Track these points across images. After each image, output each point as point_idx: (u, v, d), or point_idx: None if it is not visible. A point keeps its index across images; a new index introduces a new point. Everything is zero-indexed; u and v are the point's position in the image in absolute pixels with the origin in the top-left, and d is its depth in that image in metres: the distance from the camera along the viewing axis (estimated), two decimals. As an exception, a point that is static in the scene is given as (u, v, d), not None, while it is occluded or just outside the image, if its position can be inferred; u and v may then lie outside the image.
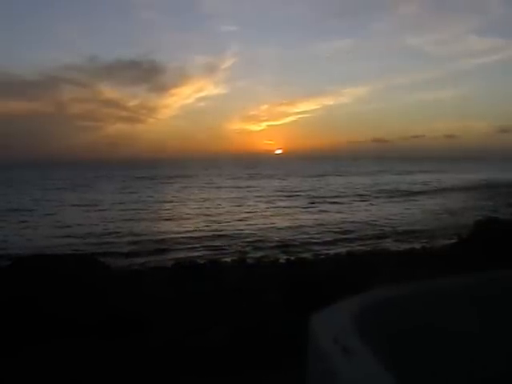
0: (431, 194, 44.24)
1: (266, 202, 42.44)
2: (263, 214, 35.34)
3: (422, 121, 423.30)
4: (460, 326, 3.00)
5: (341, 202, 42.02)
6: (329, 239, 25.01)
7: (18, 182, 73.02)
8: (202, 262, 17.58)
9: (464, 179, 62.75)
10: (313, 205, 40.17)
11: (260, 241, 24.21)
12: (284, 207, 39.28)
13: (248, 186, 63.23)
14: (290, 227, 28.58)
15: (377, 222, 29.85)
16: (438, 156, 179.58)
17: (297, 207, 39.23)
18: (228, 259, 18.55)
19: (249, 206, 40.58)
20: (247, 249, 22.38)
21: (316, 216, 33.35)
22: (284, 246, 23.07)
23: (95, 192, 56.07)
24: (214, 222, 31.12)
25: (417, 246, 20.79)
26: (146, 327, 7.93)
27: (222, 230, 27.59)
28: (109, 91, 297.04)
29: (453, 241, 19.39)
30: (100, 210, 38.82)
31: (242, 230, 27.96)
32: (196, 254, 21.21)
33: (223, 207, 39.81)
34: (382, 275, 9.97)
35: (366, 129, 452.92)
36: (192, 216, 34.34)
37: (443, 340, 2.86)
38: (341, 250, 20.86)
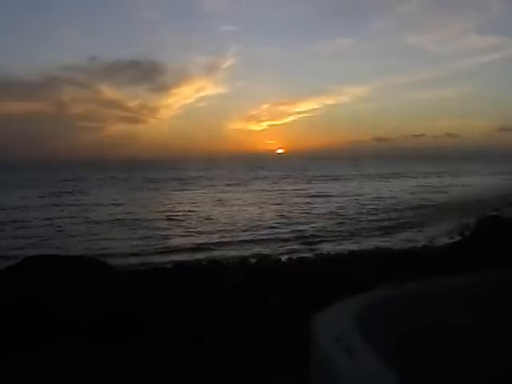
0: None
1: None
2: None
3: (423, 119, 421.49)
4: (461, 324, 3.02)
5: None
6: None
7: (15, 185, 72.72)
8: (203, 262, 17.62)
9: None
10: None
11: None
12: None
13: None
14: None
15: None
16: (438, 155, 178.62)
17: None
18: (230, 260, 18.58)
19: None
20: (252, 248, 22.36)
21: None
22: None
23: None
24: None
25: (418, 245, 20.75)
26: (148, 328, 7.95)
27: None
28: (109, 91, 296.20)
29: (454, 240, 19.39)
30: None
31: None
32: (202, 254, 21.20)
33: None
34: (384, 274, 9.97)
35: (366, 128, 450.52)
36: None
37: (444, 338, 2.87)
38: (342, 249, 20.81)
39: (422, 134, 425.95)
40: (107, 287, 9.46)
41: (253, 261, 18.33)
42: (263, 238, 25.58)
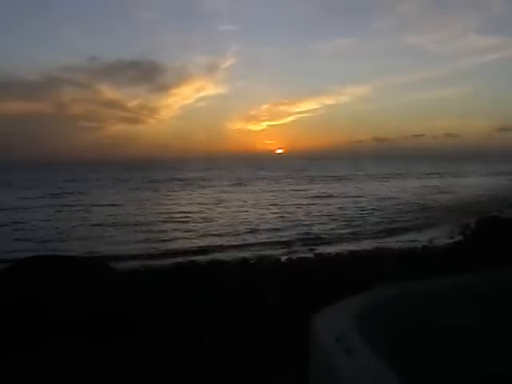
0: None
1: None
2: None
3: (423, 120, 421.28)
4: (461, 324, 3.02)
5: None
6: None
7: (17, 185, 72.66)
8: (204, 263, 17.63)
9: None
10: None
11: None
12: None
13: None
14: None
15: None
16: (438, 155, 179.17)
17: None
18: (229, 259, 18.58)
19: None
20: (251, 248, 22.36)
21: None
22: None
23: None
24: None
25: (418, 245, 20.74)
26: (148, 328, 7.95)
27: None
28: (109, 91, 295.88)
29: (454, 240, 19.41)
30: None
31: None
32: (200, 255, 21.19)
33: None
34: (384, 274, 9.97)
35: (366, 128, 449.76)
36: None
37: (443, 338, 2.87)
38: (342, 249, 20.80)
39: (422, 134, 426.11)
40: (107, 287, 9.46)
41: (252, 261, 18.34)
42: (264, 238, 25.59)
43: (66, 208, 41.71)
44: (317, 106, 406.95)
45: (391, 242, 22.82)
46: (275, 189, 60.00)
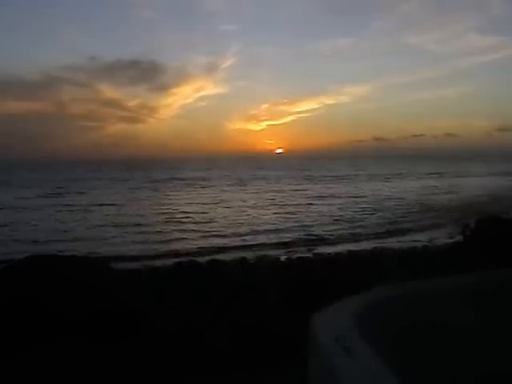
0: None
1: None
2: None
3: (423, 119, 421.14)
4: (461, 324, 3.02)
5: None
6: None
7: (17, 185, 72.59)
8: (203, 262, 17.60)
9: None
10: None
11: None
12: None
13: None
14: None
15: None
16: (438, 155, 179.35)
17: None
18: (229, 259, 18.56)
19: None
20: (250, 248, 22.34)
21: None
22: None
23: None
24: None
25: (419, 245, 20.71)
26: (148, 327, 7.94)
27: None
28: (109, 91, 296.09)
29: (454, 240, 19.35)
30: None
31: None
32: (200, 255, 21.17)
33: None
34: (384, 274, 9.96)
35: (366, 128, 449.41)
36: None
37: (443, 338, 2.86)
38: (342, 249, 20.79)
39: (422, 134, 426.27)
40: (107, 287, 9.45)
41: (252, 261, 18.32)
42: (264, 238, 25.59)
43: (65, 208, 41.66)
44: (317, 106, 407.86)
45: (392, 242, 22.81)
46: (275, 188, 59.95)
